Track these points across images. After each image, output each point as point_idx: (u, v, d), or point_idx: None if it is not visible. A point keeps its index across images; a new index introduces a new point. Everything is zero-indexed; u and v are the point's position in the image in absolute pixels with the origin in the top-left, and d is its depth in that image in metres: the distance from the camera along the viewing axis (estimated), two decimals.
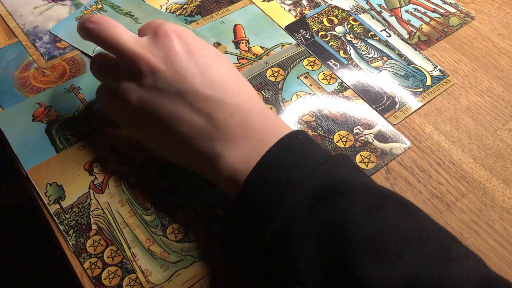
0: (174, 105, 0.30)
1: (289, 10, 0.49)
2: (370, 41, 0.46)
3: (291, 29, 0.47)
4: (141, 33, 0.34)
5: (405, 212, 0.26)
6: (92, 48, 0.44)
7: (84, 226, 0.34)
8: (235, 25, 0.47)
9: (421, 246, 0.24)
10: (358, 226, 0.24)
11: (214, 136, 0.29)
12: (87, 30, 0.33)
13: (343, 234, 0.24)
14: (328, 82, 0.43)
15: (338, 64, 0.44)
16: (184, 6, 0.48)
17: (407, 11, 0.49)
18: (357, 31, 0.47)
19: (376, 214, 0.25)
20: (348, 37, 0.46)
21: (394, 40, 0.46)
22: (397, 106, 0.41)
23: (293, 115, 0.40)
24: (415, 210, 0.27)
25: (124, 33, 0.32)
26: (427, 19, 0.48)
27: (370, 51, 0.45)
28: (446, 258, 0.24)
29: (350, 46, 0.46)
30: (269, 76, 0.43)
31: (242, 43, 0.45)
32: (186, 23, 0.47)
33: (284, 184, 0.26)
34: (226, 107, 0.30)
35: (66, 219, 0.34)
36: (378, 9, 0.49)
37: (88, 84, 0.42)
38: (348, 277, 0.23)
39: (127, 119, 0.33)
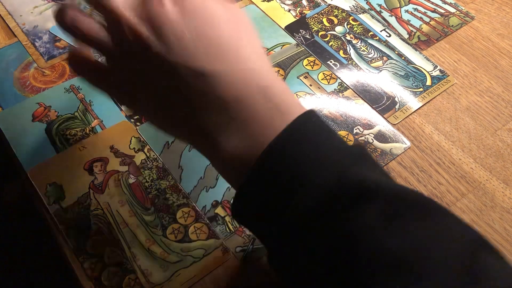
0: (166, 80, 0.26)
1: (289, 10, 0.49)
2: (370, 41, 0.46)
3: (291, 29, 0.47)
4: None
5: (431, 219, 0.22)
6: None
7: (84, 226, 0.34)
8: None
9: (444, 267, 0.20)
10: (372, 239, 0.21)
11: (207, 119, 0.26)
12: None
13: (356, 248, 0.21)
14: (328, 82, 0.43)
15: (338, 64, 0.44)
16: None
17: (407, 11, 0.49)
18: (357, 31, 0.47)
19: (396, 227, 0.21)
20: (348, 37, 0.46)
21: (394, 40, 0.46)
22: (397, 106, 0.41)
23: None
24: (441, 213, 0.23)
25: None
26: (427, 19, 0.48)
27: (370, 51, 0.45)
28: (473, 278, 0.20)
29: (350, 46, 0.46)
30: None
31: None
32: None
33: (291, 182, 0.23)
34: (219, 84, 0.25)
35: (66, 219, 0.34)
36: (378, 9, 0.49)
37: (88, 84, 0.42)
38: None
39: (121, 87, 0.29)
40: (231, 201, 0.26)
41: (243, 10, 0.48)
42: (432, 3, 0.50)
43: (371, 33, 0.47)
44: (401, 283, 0.20)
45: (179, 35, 0.26)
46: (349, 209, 0.22)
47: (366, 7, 0.49)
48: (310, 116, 0.25)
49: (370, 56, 0.45)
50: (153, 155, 0.37)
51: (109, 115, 0.40)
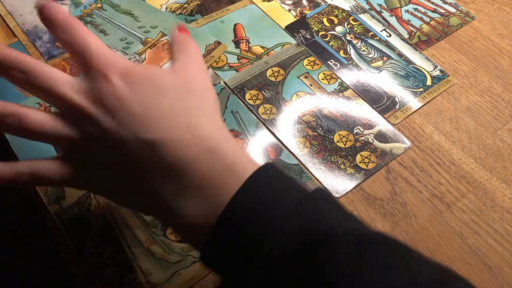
0: (119, 154, 0.26)
1: (289, 10, 0.49)
2: (370, 41, 0.46)
3: (291, 29, 0.47)
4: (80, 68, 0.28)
5: (394, 256, 0.23)
6: None
7: (84, 226, 0.34)
8: (235, 25, 0.47)
9: None
10: (343, 281, 0.22)
11: (162, 186, 0.26)
12: (14, 77, 0.27)
13: None
14: (328, 82, 0.43)
15: (338, 64, 0.44)
16: (184, 6, 0.48)
17: (407, 11, 0.49)
18: (357, 31, 0.47)
19: (361, 266, 0.22)
20: (348, 37, 0.46)
21: (394, 40, 0.46)
22: (397, 106, 0.41)
23: (293, 115, 0.40)
24: (403, 252, 0.24)
25: (60, 78, 0.27)
26: (427, 19, 0.48)
27: (370, 51, 0.45)
28: None
29: (350, 46, 0.46)
30: (269, 76, 0.43)
31: (242, 42, 0.45)
32: (186, 22, 0.47)
33: (253, 241, 0.23)
34: (169, 150, 0.25)
35: (66, 219, 0.34)
36: (378, 9, 0.49)
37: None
38: None
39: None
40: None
41: (243, 10, 0.48)
42: (432, 3, 0.50)
43: (371, 33, 0.47)
44: None
45: (128, 110, 0.26)
46: (315, 255, 0.22)
47: (366, 7, 0.49)
48: (266, 170, 0.25)
49: (370, 56, 0.45)
50: None
51: None
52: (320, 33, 0.46)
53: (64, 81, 0.27)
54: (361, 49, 0.45)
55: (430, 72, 0.44)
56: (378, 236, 0.24)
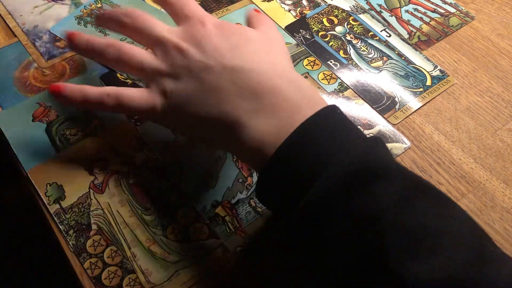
0: (203, 80, 0.30)
1: (289, 10, 0.49)
2: (370, 41, 0.46)
3: (291, 29, 0.47)
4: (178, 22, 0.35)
5: (442, 205, 0.25)
6: None
7: (84, 226, 0.34)
8: None
9: (457, 244, 0.23)
10: (394, 216, 0.23)
11: (239, 105, 0.29)
12: (123, 23, 0.34)
13: (378, 223, 0.23)
14: (328, 82, 0.43)
15: (338, 64, 0.44)
16: None
17: (407, 11, 0.49)
18: (357, 31, 0.47)
19: (413, 205, 0.24)
20: (348, 37, 0.46)
21: (394, 40, 0.46)
22: (397, 106, 0.41)
23: None
24: (451, 204, 0.26)
25: (158, 22, 0.33)
26: (427, 19, 0.48)
27: (370, 51, 0.45)
28: (483, 259, 0.23)
29: (350, 46, 0.46)
30: None
31: None
32: None
33: (317, 163, 0.25)
34: (253, 76, 0.29)
35: (66, 219, 0.34)
36: (378, 9, 0.49)
37: (88, 84, 0.42)
38: (380, 268, 0.22)
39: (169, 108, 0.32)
40: (256, 182, 0.29)
41: (243, 10, 0.48)
42: (432, 3, 0.50)
43: (371, 33, 0.47)
44: (425, 254, 0.22)
45: (216, 46, 0.31)
46: (372, 186, 0.24)
47: (366, 7, 0.49)
48: (335, 108, 0.28)
49: (370, 56, 0.45)
50: (154, 155, 0.37)
51: (110, 115, 0.40)
52: (320, 33, 0.47)
53: (161, 24, 0.33)
54: (361, 49, 0.45)
55: (430, 72, 0.44)
56: (430, 184, 0.26)
